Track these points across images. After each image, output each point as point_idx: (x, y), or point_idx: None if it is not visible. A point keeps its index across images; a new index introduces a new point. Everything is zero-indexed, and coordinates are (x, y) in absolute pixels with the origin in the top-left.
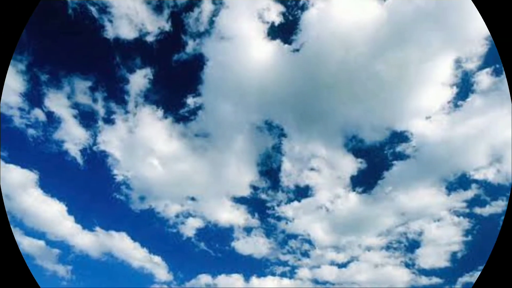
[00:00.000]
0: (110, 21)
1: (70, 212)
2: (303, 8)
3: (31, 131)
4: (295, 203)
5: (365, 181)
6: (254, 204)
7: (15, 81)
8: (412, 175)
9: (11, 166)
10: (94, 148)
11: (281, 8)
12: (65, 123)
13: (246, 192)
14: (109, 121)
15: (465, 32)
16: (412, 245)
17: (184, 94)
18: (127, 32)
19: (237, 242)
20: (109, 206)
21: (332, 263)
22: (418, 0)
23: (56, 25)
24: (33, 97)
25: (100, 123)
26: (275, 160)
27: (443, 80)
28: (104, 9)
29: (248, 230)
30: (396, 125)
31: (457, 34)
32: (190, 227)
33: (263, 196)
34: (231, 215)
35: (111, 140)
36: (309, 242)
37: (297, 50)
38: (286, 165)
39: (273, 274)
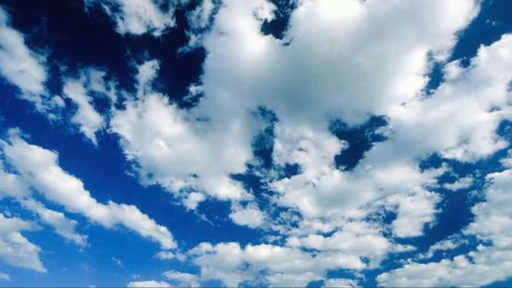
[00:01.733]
0: (122, 18)
1: (86, 187)
2: (293, 6)
3: (51, 116)
4: (286, 179)
5: (347, 160)
6: (249, 180)
7: (37, 71)
8: (389, 155)
9: (34, 146)
10: (107, 130)
11: (273, 6)
12: (82, 108)
13: (242, 169)
14: (120, 107)
15: (436, 28)
16: (389, 217)
17: (187, 83)
18: (137, 28)
19: (234, 214)
20: (121, 182)
21: (318, 232)
22: None
23: (74, 21)
24: (53, 85)
25: (113, 108)
26: (267, 142)
27: (417, 70)
28: (116, 8)
29: (244, 203)
30: (375, 111)
31: (429, 29)
32: (192, 201)
33: (257, 173)
34: (228, 190)
35: (123, 123)
36: (298, 214)
37: (287, 44)
38: (278, 145)
39: (266, 243)
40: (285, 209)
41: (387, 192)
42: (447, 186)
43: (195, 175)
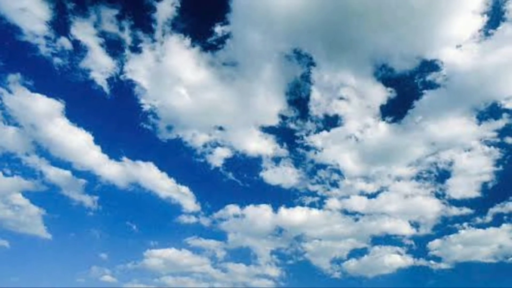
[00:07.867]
0: None
1: (96, 141)
2: None
3: (57, 60)
4: (324, 132)
5: (395, 111)
6: (282, 133)
7: (40, 9)
8: (442, 105)
9: (37, 95)
10: (121, 77)
11: None
12: (92, 51)
13: (274, 121)
14: (136, 49)
15: None
16: (443, 175)
17: (212, 22)
18: None
19: (266, 172)
20: (136, 135)
21: (362, 193)
22: None
23: None
24: (59, 25)
25: (127, 51)
26: (303, 89)
27: (474, 8)
28: None
29: (276, 160)
30: (426, 54)
31: None
32: (218, 157)
33: (292, 125)
34: (259, 145)
35: (138, 69)
36: (338, 172)
37: None
38: (315, 94)
39: (302, 205)
40: (323, 166)
41: (440, 147)
42: (509, 140)
43: (221, 128)
